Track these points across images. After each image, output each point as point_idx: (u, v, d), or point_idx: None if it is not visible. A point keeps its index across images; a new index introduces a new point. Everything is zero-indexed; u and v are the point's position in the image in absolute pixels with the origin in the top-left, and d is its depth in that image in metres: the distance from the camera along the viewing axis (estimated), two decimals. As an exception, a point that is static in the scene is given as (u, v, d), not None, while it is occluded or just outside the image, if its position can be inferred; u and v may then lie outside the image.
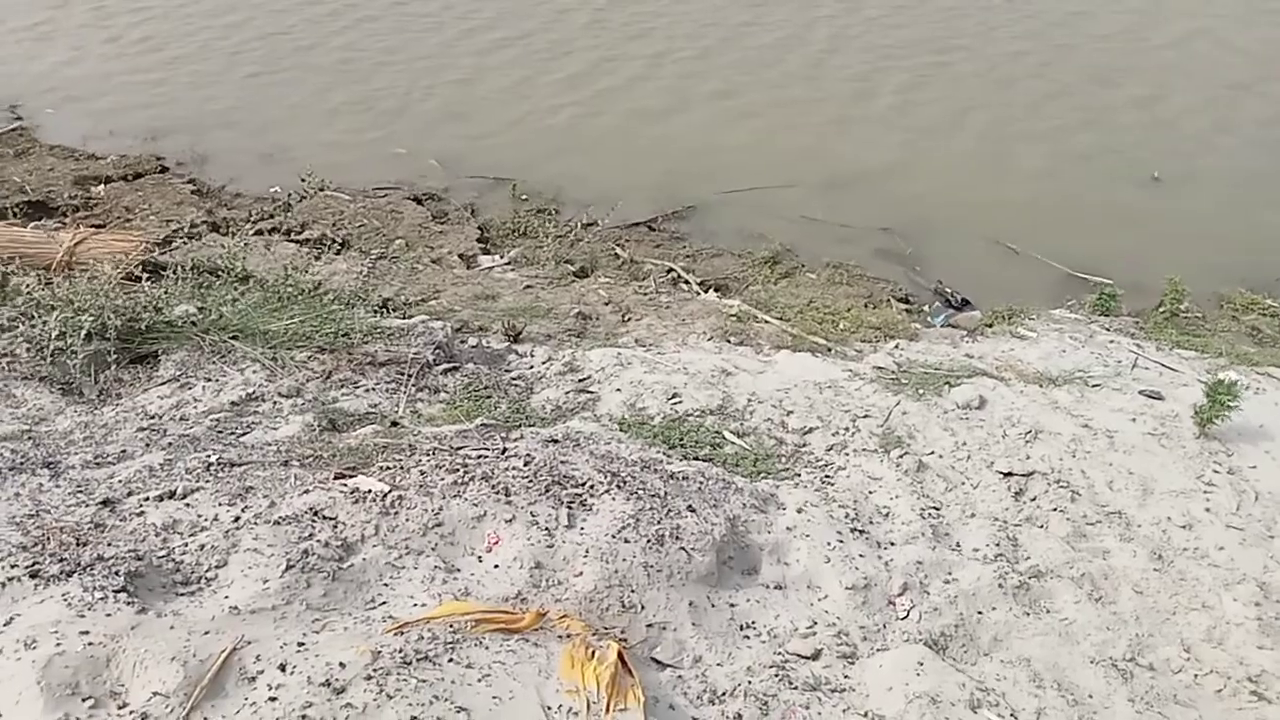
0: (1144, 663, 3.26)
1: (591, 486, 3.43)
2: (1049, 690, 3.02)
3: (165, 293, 4.93)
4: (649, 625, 2.99)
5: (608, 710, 2.47)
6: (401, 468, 3.42)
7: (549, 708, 2.47)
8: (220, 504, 3.13)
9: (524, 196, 7.90)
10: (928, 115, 9.37)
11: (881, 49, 10.64)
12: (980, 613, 3.37)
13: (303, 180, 7.75)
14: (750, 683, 2.87)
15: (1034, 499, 4.06)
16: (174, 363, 4.50)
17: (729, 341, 5.68)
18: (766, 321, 6.03)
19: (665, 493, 3.49)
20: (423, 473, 3.37)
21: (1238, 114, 9.42)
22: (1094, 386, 5.07)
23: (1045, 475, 4.19)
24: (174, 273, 5.14)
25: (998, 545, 3.73)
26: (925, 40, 10.86)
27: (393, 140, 8.77)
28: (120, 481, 3.31)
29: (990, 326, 6.21)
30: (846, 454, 4.28)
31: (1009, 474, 4.19)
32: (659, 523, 3.29)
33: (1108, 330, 6.09)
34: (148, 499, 3.14)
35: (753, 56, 10.52)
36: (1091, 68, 10.25)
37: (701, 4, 11.75)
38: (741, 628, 3.13)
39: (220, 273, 5.45)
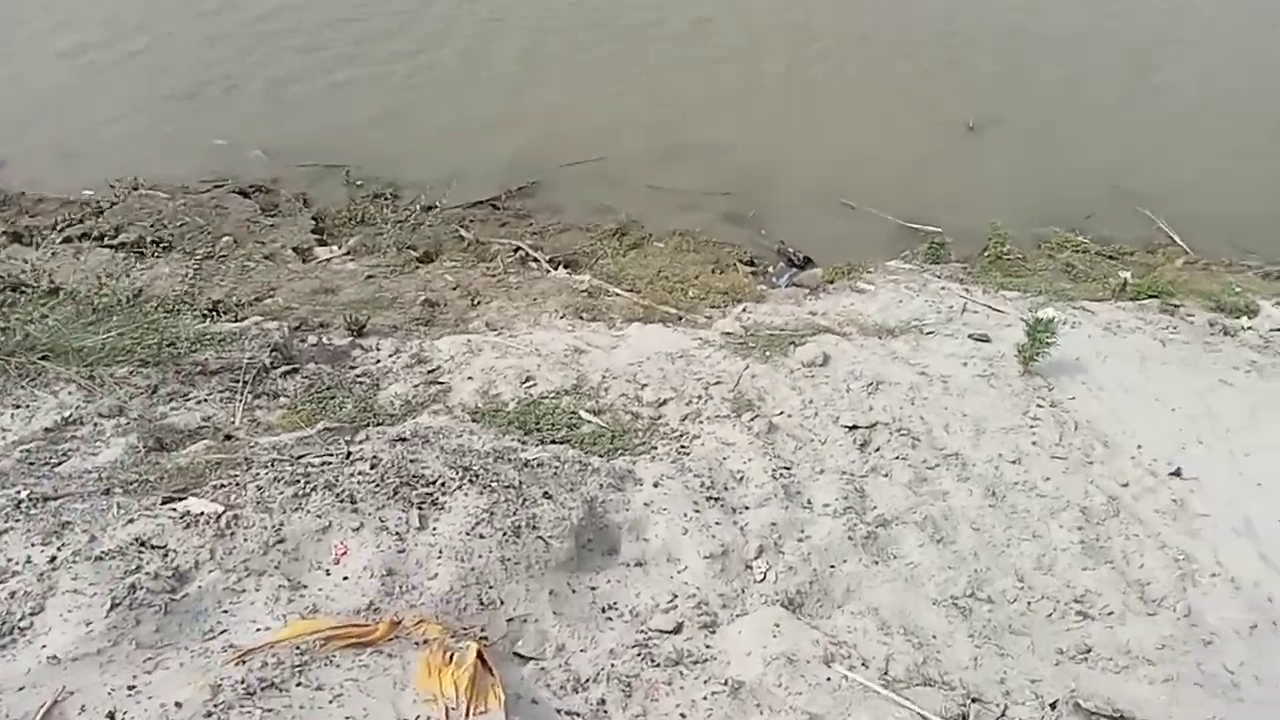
0: (982, 596, 3.46)
1: (443, 484, 3.35)
2: (896, 636, 3.17)
3: (-41, 315, 4.50)
4: (509, 620, 2.96)
5: (468, 715, 2.42)
6: (237, 484, 3.24)
7: (406, 720, 2.41)
8: (33, 544, 2.89)
9: (359, 183, 7.56)
10: (761, 82, 9.51)
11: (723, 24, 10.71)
12: (833, 566, 3.50)
13: (112, 186, 7.16)
14: (613, 665, 2.89)
15: (878, 449, 4.24)
16: (-26, 392, 4.12)
17: (581, 318, 5.65)
18: (618, 294, 6.04)
19: (520, 482, 3.45)
20: (260, 488, 3.20)
21: (1040, 66, 9.98)
22: (928, 334, 5.32)
23: (887, 425, 4.37)
24: (-32, 292, 4.70)
25: (846, 498, 3.87)
26: (766, 10, 10.99)
27: (211, 131, 8.21)
28: (-86, 531, 3.00)
29: (831, 283, 6.40)
30: (700, 422, 4.34)
31: (854, 427, 4.35)
32: (514, 514, 3.25)
33: (939, 278, 6.39)
34: (-53, 548, 2.87)
35: (583, 33, 10.38)
36: (906, 32, 10.64)
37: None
38: (603, 610, 3.14)
39: (24, 288, 5.02)
